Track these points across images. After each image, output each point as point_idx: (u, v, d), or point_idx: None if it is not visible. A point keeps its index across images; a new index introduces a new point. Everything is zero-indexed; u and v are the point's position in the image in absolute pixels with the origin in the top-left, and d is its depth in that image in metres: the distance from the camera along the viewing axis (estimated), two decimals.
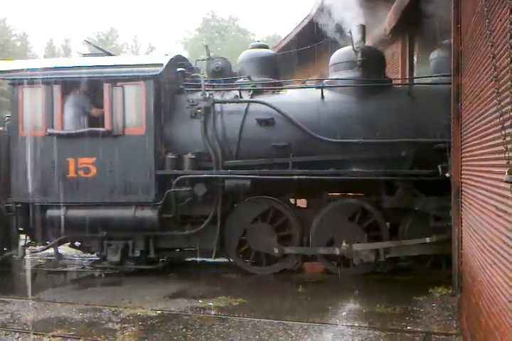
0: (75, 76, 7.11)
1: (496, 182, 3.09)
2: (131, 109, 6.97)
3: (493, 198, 3.24)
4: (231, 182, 6.90)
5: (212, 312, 5.55)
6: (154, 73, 6.93)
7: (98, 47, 8.38)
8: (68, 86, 7.19)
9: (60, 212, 7.04)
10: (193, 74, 7.76)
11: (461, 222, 5.17)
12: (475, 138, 4.19)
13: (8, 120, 8.00)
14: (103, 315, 5.53)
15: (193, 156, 7.00)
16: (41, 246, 7.56)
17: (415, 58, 8.83)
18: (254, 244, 7.19)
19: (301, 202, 7.87)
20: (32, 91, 7.16)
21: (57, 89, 7.08)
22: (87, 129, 7.05)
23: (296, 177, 6.79)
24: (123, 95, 6.97)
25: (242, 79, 7.69)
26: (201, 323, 5.17)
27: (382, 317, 5.30)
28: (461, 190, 5.23)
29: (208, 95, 7.13)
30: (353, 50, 7.03)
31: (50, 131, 7.05)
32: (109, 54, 8.11)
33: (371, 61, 7.01)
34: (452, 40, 5.47)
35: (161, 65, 7.03)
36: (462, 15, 5.05)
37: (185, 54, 13.96)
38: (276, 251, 7.06)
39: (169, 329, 5.00)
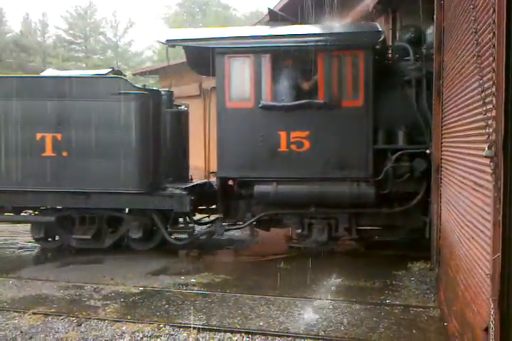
0: (287, 45, 6.58)
1: (476, 158, 3.12)
2: (348, 80, 6.53)
3: (472, 173, 3.27)
4: None
5: (195, 288, 5.59)
6: (374, 41, 6.48)
7: (281, 14, 7.45)
8: (278, 56, 6.74)
9: (269, 188, 6.72)
10: (399, 44, 7.21)
11: (440, 198, 5.24)
12: (455, 114, 4.21)
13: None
14: (84, 292, 5.52)
15: (407, 130, 6.61)
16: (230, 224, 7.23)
17: (397, 34, 8.74)
18: None
19: None
20: (240, 61, 6.71)
21: (266, 59, 6.65)
22: (303, 101, 6.59)
23: None
24: (339, 65, 6.51)
25: None
26: (184, 299, 5.21)
27: (363, 291, 5.42)
28: (441, 167, 5.29)
29: (419, 65, 6.59)
30: None
31: (263, 103, 6.64)
32: (295, 23, 7.34)
33: None
34: (435, 17, 5.43)
35: (379, 32, 6.49)
36: None
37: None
38: None
39: (151, 306, 5.03)
